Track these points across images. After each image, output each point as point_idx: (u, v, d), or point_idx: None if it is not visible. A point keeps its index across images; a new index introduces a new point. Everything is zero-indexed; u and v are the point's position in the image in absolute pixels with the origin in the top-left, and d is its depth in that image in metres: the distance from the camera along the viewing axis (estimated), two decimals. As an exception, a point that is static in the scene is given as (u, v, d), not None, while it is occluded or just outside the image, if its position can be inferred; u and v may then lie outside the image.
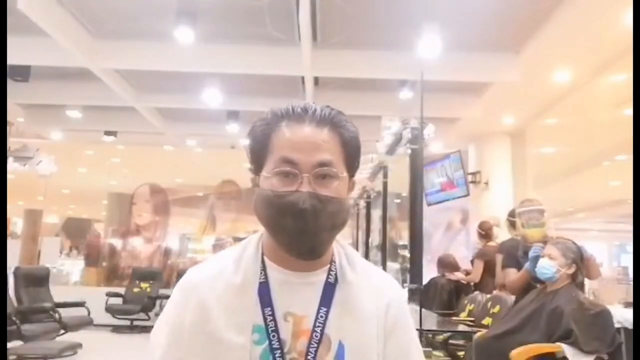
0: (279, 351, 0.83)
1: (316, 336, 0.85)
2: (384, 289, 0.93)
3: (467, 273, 5.70)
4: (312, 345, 0.84)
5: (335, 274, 0.90)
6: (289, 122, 0.86)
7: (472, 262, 5.60)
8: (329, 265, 0.90)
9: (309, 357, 0.84)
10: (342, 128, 0.88)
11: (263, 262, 0.89)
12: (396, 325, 0.90)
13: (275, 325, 0.84)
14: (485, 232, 5.41)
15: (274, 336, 0.84)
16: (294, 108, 0.87)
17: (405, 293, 0.90)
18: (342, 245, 0.95)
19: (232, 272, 0.88)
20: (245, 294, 0.85)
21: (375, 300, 0.90)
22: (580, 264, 2.93)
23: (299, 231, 0.82)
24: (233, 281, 0.86)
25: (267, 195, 0.84)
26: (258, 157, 0.87)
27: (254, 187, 0.88)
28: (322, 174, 0.83)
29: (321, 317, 0.86)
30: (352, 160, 0.89)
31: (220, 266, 0.90)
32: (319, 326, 0.85)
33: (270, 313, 0.85)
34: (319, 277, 0.89)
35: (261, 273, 0.88)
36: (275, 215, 0.83)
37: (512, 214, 3.89)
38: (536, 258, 3.06)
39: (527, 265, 3.15)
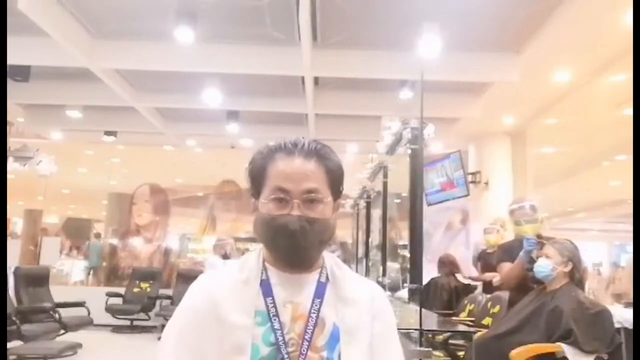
0: (279, 331, 0.97)
1: (312, 320, 0.99)
2: (368, 287, 1.10)
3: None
4: (308, 327, 0.98)
5: (327, 275, 1.05)
6: (282, 155, 1.02)
7: (484, 263, 5.54)
8: (320, 269, 1.06)
9: (306, 337, 0.98)
10: (327, 160, 1.04)
11: (264, 266, 1.05)
12: (379, 313, 1.06)
13: (276, 310, 0.98)
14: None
15: (275, 319, 0.98)
16: (286, 143, 1.04)
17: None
18: (331, 256, 1.11)
19: (238, 272, 1.04)
20: (249, 286, 1.01)
21: (362, 293, 1.06)
22: (577, 262, 2.93)
23: (291, 248, 0.99)
24: (238, 278, 1.02)
25: (264, 218, 1.00)
26: (257, 184, 1.04)
27: (254, 211, 1.04)
28: (310, 199, 0.99)
29: (315, 305, 1.00)
30: (335, 186, 1.05)
31: (226, 270, 1.07)
32: (314, 312, 1.00)
33: (271, 301, 0.99)
34: (312, 277, 1.04)
35: (262, 273, 1.03)
36: (271, 235, 1.00)
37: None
38: (531, 250, 3.07)
39: (520, 254, 3.15)
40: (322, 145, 1.06)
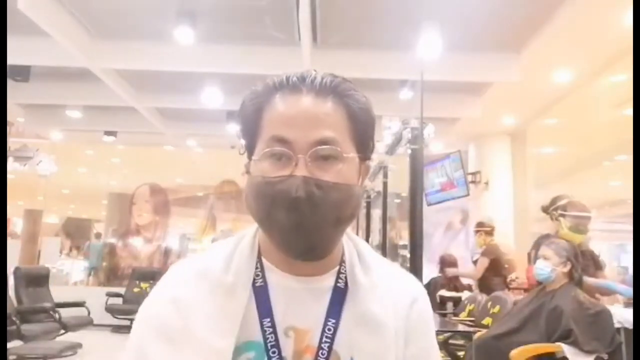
0: None
1: (323, 354, 0.71)
2: (406, 287, 0.79)
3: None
4: None
5: (346, 277, 0.75)
6: (283, 93, 0.72)
7: (475, 262, 5.63)
8: (338, 267, 0.76)
9: None
10: (349, 98, 0.72)
11: (260, 262, 0.75)
12: (418, 327, 0.77)
13: (276, 340, 0.70)
14: (491, 229, 5.46)
15: (274, 352, 0.70)
16: (289, 77, 0.73)
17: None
18: (353, 240, 0.79)
19: (222, 270, 0.73)
20: (235, 296, 0.71)
21: (394, 302, 0.76)
22: (575, 262, 2.94)
23: (294, 226, 0.67)
24: (222, 280, 0.72)
25: (256, 182, 0.70)
26: (249, 137, 0.74)
27: (244, 174, 0.75)
28: (323, 154, 0.69)
29: (329, 330, 0.72)
30: (362, 138, 0.74)
31: (207, 263, 0.75)
32: (326, 342, 0.71)
33: (269, 325, 0.71)
34: (327, 282, 0.74)
35: (257, 275, 0.74)
36: (265, 207, 0.69)
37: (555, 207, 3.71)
38: None
39: None
40: (341, 78, 0.73)
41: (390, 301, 0.75)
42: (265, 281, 0.73)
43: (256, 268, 0.74)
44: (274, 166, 0.69)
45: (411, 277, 0.82)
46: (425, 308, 0.79)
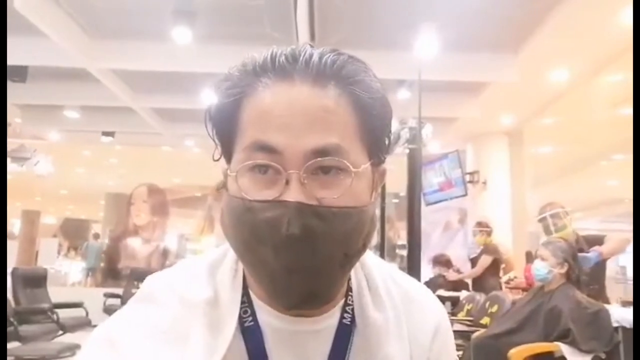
0: None
1: None
2: (426, 314, 0.65)
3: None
4: None
5: (353, 311, 0.60)
6: (269, 80, 0.55)
7: (473, 259, 5.64)
8: (343, 300, 0.60)
9: None
10: (358, 85, 0.54)
11: (248, 296, 0.59)
12: (441, 358, 0.65)
13: None
14: (490, 230, 5.49)
15: None
16: (276, 56, 0.57)
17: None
18: (361, 260, 0.60)
19: (208, 303, 0.57)
20: (222, 334, 0.55)
21: (414, 334, 0.63)
22: (573, 262, 2.95)
23: (285, 271, 0.51)
24: (210, 315, 0.57)
25: (234, 205, 0.53)
26: (225, 140, 0.58)
27: (219, 190, 0.59)
28: (323, 167, 0.51)
29: None
30: (376, 138, 0.56)
31: (191, 292, 0.58)
32: None
33: None
34: (330, 321, 0.59)
35: (245, 312, 0.58)
36: (246, 240, 0.53)
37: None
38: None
39: None
40: (348, 57, 0.57)
41: (409, 336, 0.62)
42: (256, 321, 0.58)
43: (242, 303, 0.58)
44: (257, 183, 0.52)
45: (429, 296, 0.68)
46: (448, 336, 0.67)
